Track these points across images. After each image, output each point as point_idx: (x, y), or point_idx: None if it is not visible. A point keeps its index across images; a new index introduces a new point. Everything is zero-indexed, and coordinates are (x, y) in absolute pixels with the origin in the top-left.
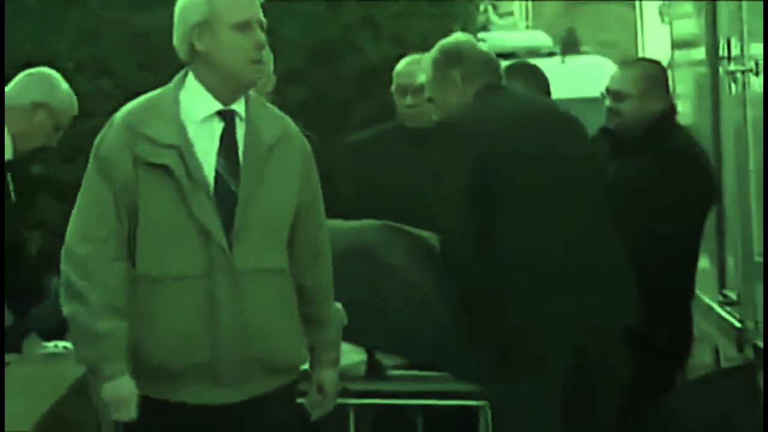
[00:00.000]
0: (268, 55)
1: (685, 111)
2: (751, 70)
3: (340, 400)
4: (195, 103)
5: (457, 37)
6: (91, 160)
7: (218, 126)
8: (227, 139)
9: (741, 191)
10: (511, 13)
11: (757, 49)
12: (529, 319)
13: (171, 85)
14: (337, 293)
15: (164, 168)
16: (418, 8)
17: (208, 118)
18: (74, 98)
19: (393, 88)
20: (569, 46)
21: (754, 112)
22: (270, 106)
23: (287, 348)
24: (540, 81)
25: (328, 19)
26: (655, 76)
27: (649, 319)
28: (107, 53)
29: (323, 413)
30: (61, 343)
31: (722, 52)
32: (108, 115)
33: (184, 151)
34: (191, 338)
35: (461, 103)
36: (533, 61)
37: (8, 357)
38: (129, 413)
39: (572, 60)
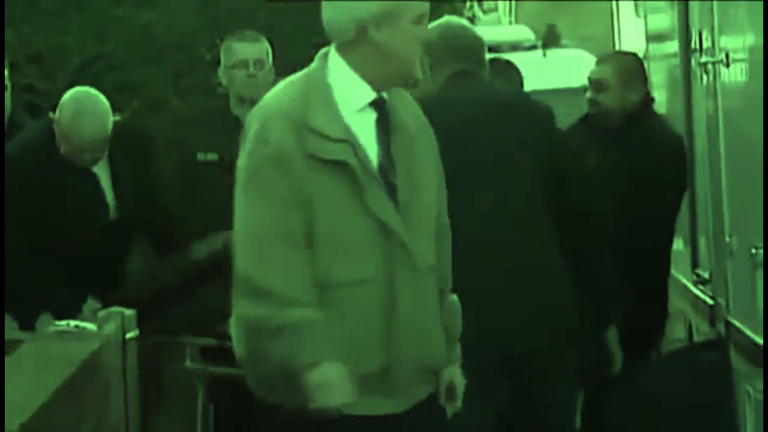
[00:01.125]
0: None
1: (659, 100)
2: (721, 62)
3: None
4: (350, 91)
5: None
6: (254, 159)
7: (371, 115)
8: (382, 129)
9: (712, 176)
10: (495, 9)
11: (726, 41)
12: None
13: (315, 68)
14: None
15: (339, 163)
16: None
17: (363, 107)
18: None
19: None
20: (550, 40)
21: (724, 102)
22: (405, 93)
23: (442, 349)
24: (513, 75)
25: None
26: (632, 67)
27: (630, 299)
28: (114, 49)
29: (454, 412)
30: (72, 322)
31: (694, 44)
32: (114, 107)
33: (354, 144)
34: (368, 346)
35: (431, 90)
36: (516, 54)
37: (23, 335)
38: (343, 396)
39: (553, 53)
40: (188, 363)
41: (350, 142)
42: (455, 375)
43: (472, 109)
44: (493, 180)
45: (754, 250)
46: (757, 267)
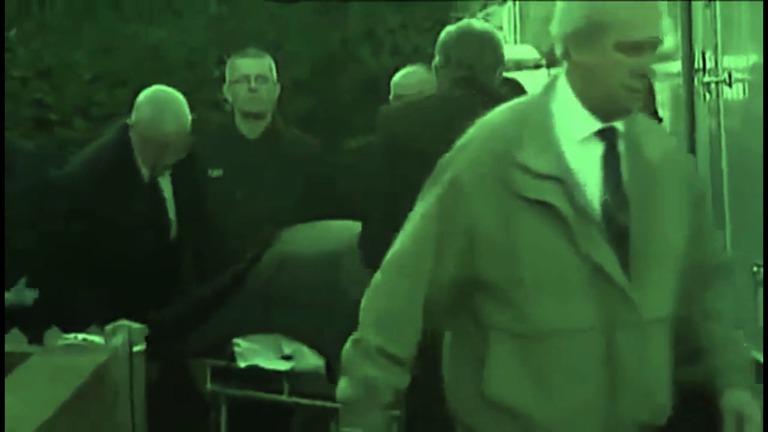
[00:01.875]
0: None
1: (663, 118)
2: (724, 81)
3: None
4: (571, 119)
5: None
6: (430, 194)
7: (597, 147)
8: (610, 163)
9: (715, 192)
10: (500, 28)
11: (729, 61)
12: None
13: (540, 93)
14: (307, 297)
15: (544, 204)
16: (414, 22)
17: (587, 138)
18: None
19: (391, 96)
20: (555, 59)
21: (726, 120)
22: (653, 122)
23: (667, 409)
24: (518, 94)
25: (330, 33)
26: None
27: None
28: (123, 65)
29: None
30: (80, 335)
31: (698, 64)
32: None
33: (566, 181)
34: (586, 406)
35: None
36: (521, 72)
37: (31, 348)
38: None
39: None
40: (209, 385)
41: (560, 178)
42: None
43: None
44: None
45: (756, 269)
46: (758, 285)
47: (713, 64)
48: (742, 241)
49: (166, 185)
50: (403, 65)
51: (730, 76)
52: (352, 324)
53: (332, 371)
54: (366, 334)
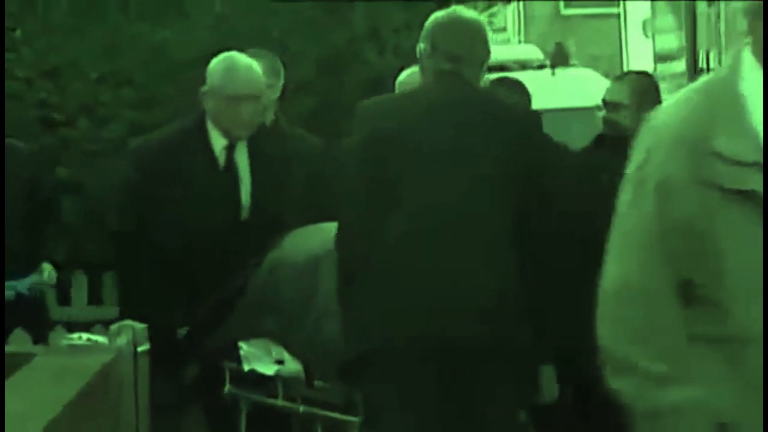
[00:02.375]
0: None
1: None
2: None
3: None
4: (761, 98)
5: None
6: (628, 202)
7: None
8: None
9: None
10: (504, 29)
11: None
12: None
13: (724, 72)
14: (287, 302)
15: (746, 193)
16: (417, 22)
17: None
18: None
19: None
20: (559, 59)
21: None
22: None
23: None
24: (521, 94)
25: (335, 33)
26: (647, 87)
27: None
28: (128, 64)
29: None
30: (85, 335)
31: (701, 64)
32: (129, 122)
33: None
34: None
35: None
36: (525, 73)
37: (35, 348)
38: None
39: (562, 72)
40: (228, 388)
41: (761, 164)
42: None
43: (426, 110)
44: (451, 185)
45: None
46: None
47: (717, 63)
48: None
49: (242, 160)
50: (408, 65)
51: None
52: (322, 329)
53: (310, 376)
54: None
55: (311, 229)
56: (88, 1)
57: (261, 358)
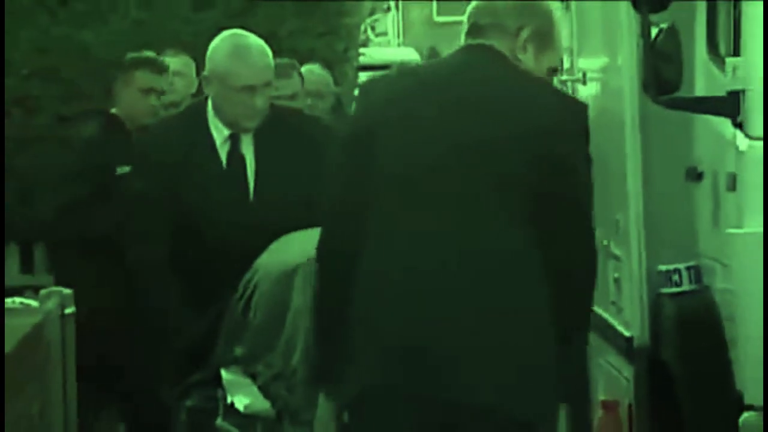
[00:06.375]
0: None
1: None
2: (579, 80)
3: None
4: None
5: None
6: None
7: None
8: None
9: None
10: (385, 33)
11: (583, 63)
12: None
13: None
14: (259, 319)
15: None
16: (311, 26)
17: None
18: None
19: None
20: (432, 59)
21: None
22: None
23: None
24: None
25: None
26: None
27: None
28: (56, 62)
29: None
30: (18, 299)
31: None
32: (56, 113)
33: None
34: None
35: None
36: None
37: None
38: None
39: None
40: (219, 421)
41: None
42: None
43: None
44: (448, 190)
45: (605, 242)
46: (609, 258)
47: (570, 65)
48: (598, 225)
49: (248, 153)
50: (301, 64)
51: (584, 75)
52: (292, 355)
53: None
54: None
55: (295, 236)
56: (20, 6)
57: (243, 387)
